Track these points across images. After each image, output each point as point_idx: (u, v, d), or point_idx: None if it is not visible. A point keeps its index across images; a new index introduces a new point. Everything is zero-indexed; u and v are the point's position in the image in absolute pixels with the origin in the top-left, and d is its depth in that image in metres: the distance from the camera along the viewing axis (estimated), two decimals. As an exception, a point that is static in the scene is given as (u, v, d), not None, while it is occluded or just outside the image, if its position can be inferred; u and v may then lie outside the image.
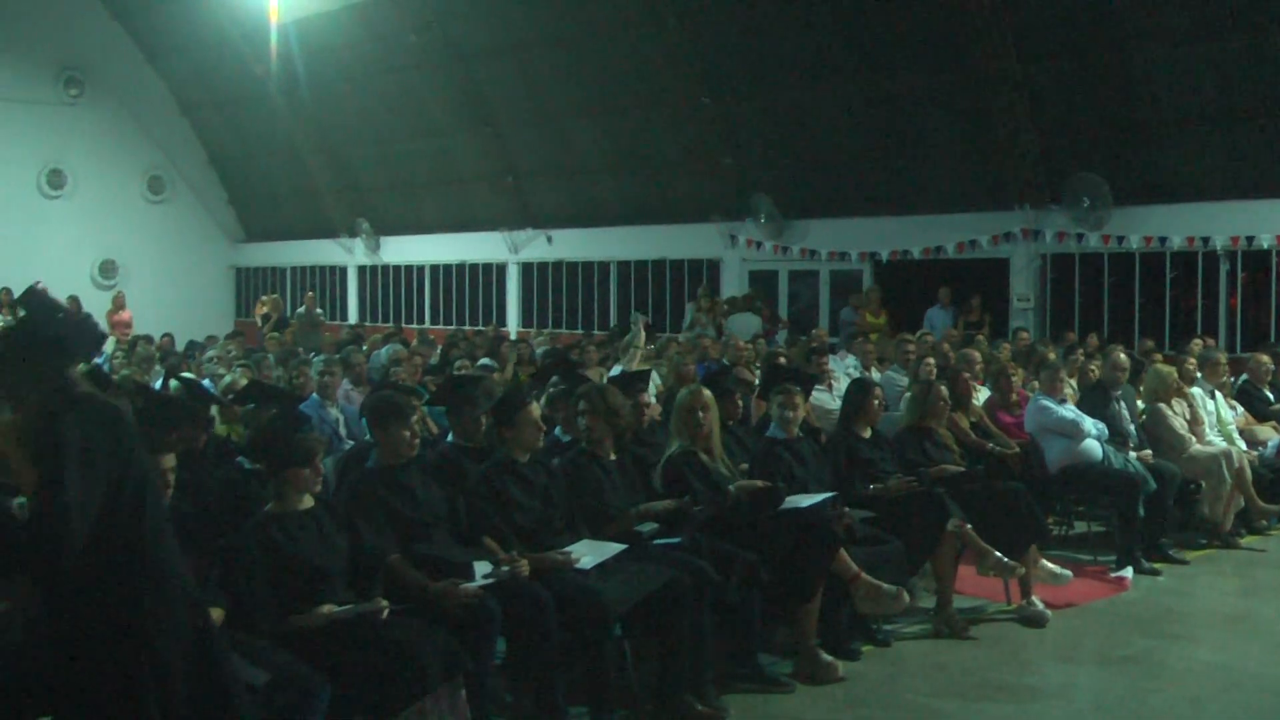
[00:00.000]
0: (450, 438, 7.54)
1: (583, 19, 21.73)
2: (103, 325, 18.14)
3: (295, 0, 24.74)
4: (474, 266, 27.40)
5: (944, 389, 9.34)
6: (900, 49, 18.71)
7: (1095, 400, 10.81)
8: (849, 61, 19.38)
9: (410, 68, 24.92)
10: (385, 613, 5.47)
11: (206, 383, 11.62)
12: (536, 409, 7.07)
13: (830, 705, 6.78)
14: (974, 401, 10.88)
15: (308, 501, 5.79)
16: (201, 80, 29.84)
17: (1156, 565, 9.86)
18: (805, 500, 7.41)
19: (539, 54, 22.96)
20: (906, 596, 7.37)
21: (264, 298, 26.71)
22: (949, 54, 18.17)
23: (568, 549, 6.49)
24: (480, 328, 23.87)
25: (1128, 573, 9.52)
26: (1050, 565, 8.82)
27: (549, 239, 25.46)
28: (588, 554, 6.45)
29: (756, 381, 10.67)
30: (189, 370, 13.85)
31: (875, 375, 12.72)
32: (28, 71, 29.13)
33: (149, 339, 18.59)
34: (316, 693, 5.02)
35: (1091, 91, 17.38)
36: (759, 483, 7.51)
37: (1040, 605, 8.37)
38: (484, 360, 14.12)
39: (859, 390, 8.86)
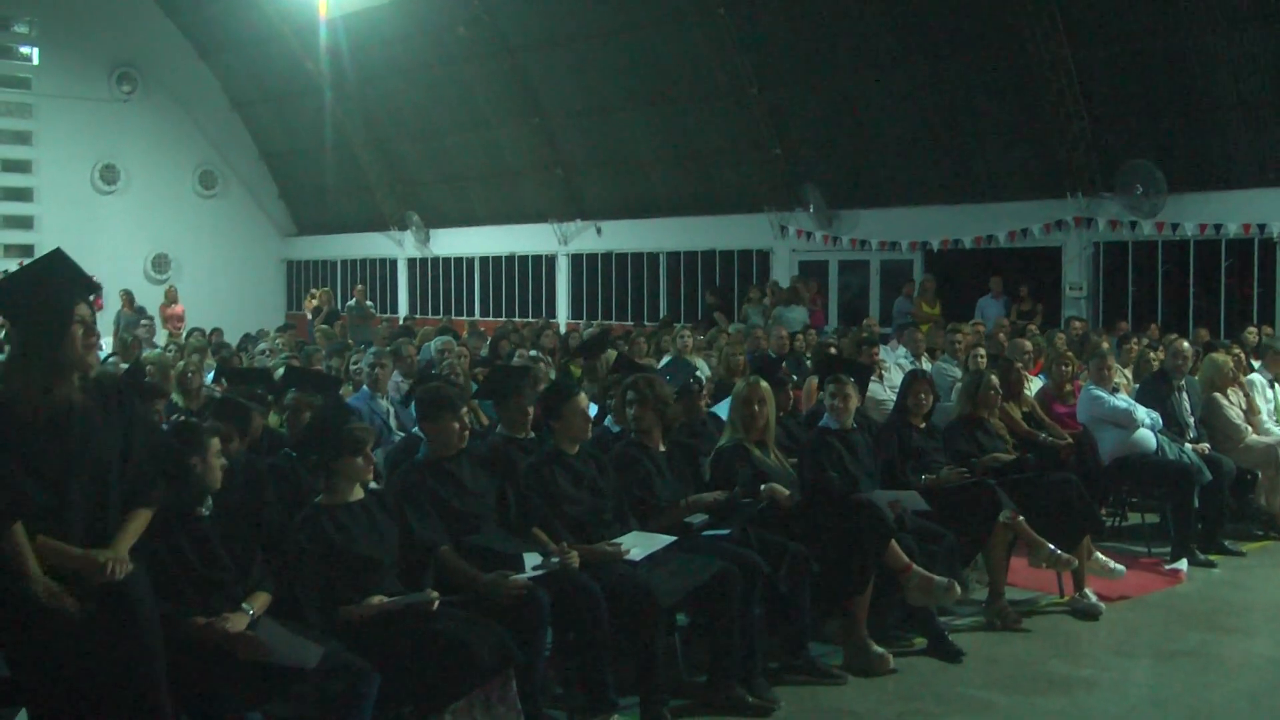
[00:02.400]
0: (499, 429, 7.54)
1: (631, 10, 21.71)
2: (156, 319, 18.29)
3: (345, -6, 24.90)
4: (523, 258, 27.45)
5: (995, 379, 9.26)
6: (951, 36, 18.58)
7: (1156, 390, 10.69)
8: (899, 49, 19.28)
9: (460, 60, 24.99)
10: (435, 604, 5.47)
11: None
12: (584, 400, 7.06)
13: (881, 697, 6.73)
14: (1026, 391, 10.79)
15: (358, 492, 5.80)
16: (252, 75, 30.07)
17: (1212, 557, 9.73)
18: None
19: (588, 45, 22.95)
20: (958, 588, 7.31)
21: (314, 291, 26.85)
22: (1001, 41, 18.03)
23: (617, 540, 6.47)
24: (530, 319, 23.93)
25: (1183, 565, 9.41)
26: (1104, 558, 8.74)
27: (598, 230, 25.47)
28: (637, 545, 6.44)
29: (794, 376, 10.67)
30: (241, 363, 13.92)
31: (926, 365, 12.64)
32: (82, 69, 29.51)
33: (201, 332, 18.71)
34: (366, 682, 5.03)
35: (1145, 77, 17.20)
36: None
37: (1094, 598, 8.28)
38: (533, 352, 14.13)
39: (912, 381, 8.80)
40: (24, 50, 29.93)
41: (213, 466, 5.40)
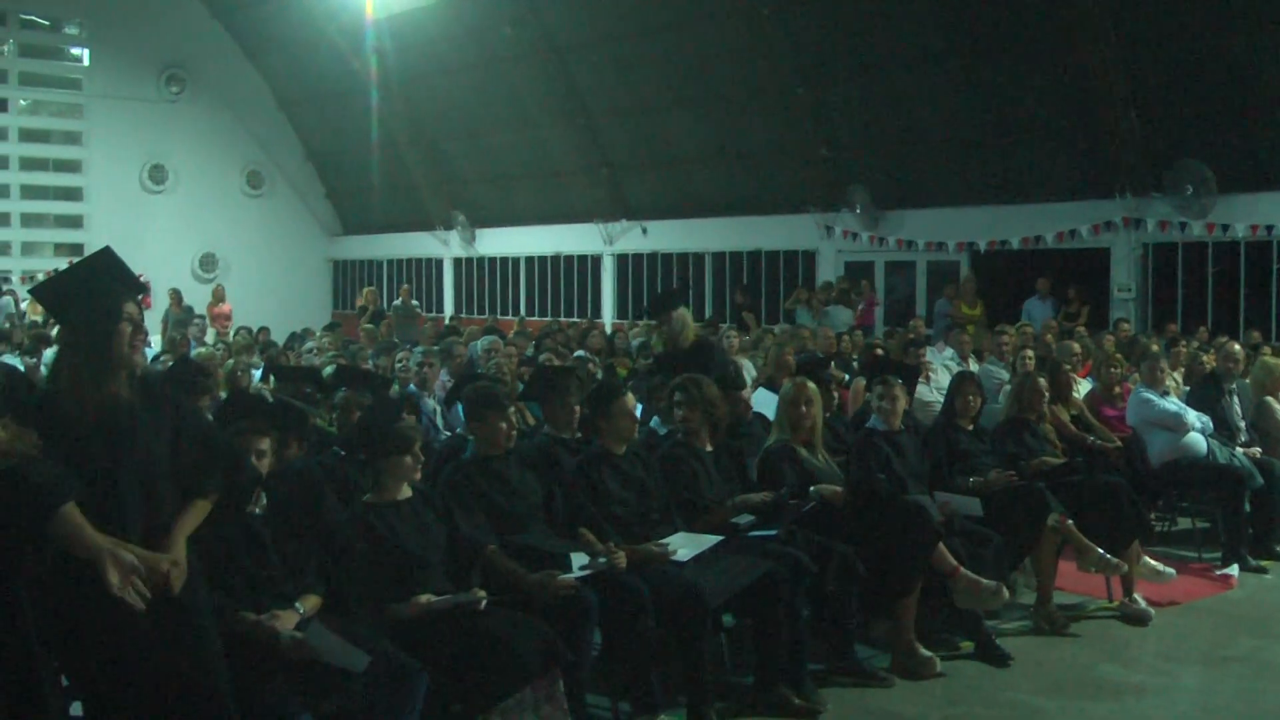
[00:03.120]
0: (545, 429, 7.55)
1: (677, 9, 21.69)
2: (206, 319, 18.43)
3: (391, -4, 25.03)
4: (569, 258, 27.50)
5: (1043, 381, 9.22)
6: (999, 34, 18.45)
7: (1207, 393, 10.60)
8: (946, 49, 19.17)
9: (505, 60, 25.05)
10: (483, 603, 5.48)
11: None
12: (631, 400, 7.07)
13: (929, 701, 6.71)
14: (1075, 394, 10.72)
15: (406, 491, 5.82)
16: (299, 76, 30.24)
17: (1263, 563, 9.63)
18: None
19: (633, 45, 22.95)
20: (1006, 592, 7.26)
21: (365, 290, 26.99)
22: (1050, 39, 17.90)
23: (664, 541, 6.47)
24: (575, 319, 23.96)
25: (1233, 570, 9.31)
26: (1153, 562, 8.65)
27: (644, 230, 25.46)
28: (684, 546, 6.43)
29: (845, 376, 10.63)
30: (288, 362, 14.00)
31: (973, 367, 12.58)
32: (131, 70, 29.81)
33: (248, 330, 18.86)
34: (415, 682, 5.04)
35: (1195, 76, 17.02)
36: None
37: (1143, 603, 8.21)
38: (579, 352, 14.16)
39: (961, 382, 8.76)
40: (75, 51, 30.28)
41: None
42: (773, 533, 6.82)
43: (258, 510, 5.32)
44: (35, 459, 4.13)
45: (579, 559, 6.03)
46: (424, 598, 5.49)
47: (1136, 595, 8.25)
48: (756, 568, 6.36)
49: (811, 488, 7.24)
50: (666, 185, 24.73)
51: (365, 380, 8.88)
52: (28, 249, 29.71)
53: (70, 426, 4.29)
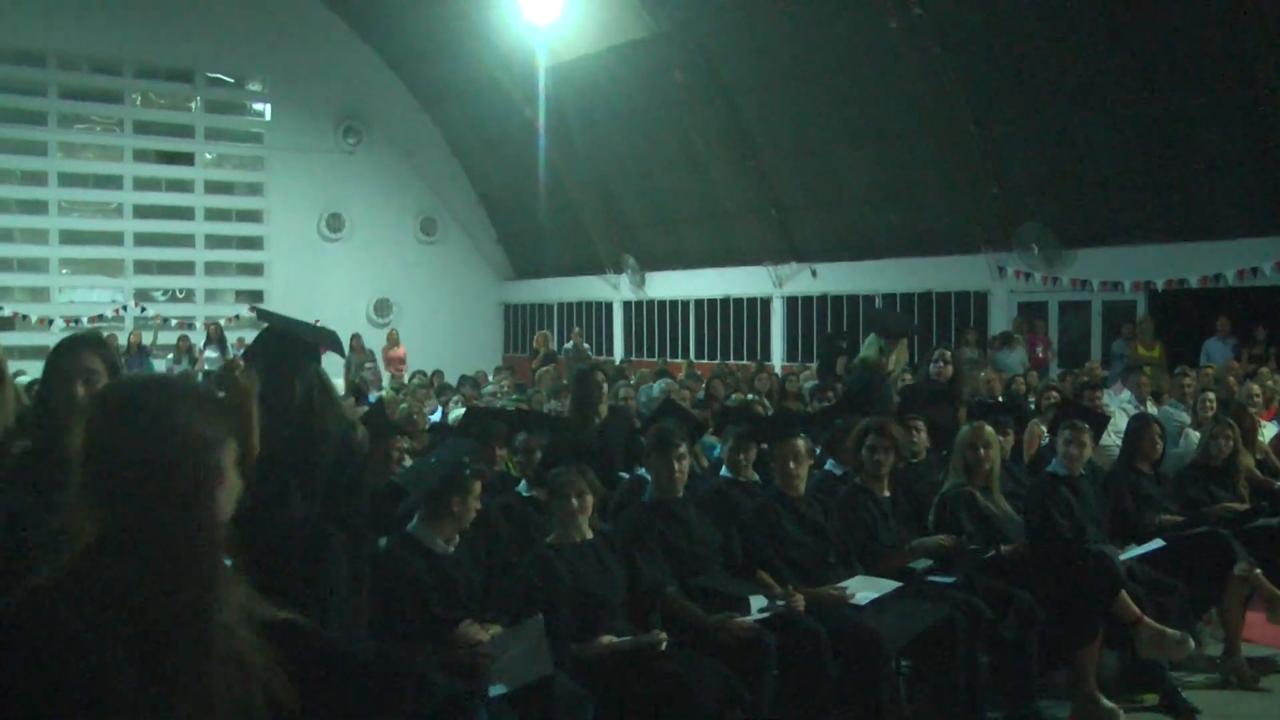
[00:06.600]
0: (724, 471, 7.63)
1: (845, 49, 21.69)
2: (380, 363, 18.92)
3: (562, 44, 25.46)
4: (738, 300, 27.57)
5: (1231, 424, 9.01)
6: (1175, 69, 18.08)
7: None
8: (1118, 83, 18.83)
9: (675, 104, 25.28)
10: (663, 644, 5.56)
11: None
12: (801, 443, 7.10)
13: (1112, 751, 6.60)
14: (1260, 438, 10.44)
15: (587, 533, 5.94)
16: (472, 124, 30.91)
17: None
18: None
19: (802, 85, 22.97)
20: (1191, 642, 7.09)
21: (538, 334, 27.40)
22: (1227, 72, 17.49)
23: (842, 584, 6.49)
24: (744, 361, 23.99)
25: None
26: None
27: (813, 273, 25.43)
28: (862, 589, 6.45)
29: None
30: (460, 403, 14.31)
31: (1151, 410, 12.32)
32: (309, 123, 30.79)
33: (423, 374, 19.29)
34: (581, 709, 5.12)
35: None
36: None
37: (1337, 654, 7.98)
38: (750, 395, 14.21)
39: (1141, 425, 8.62)
40: (257, 107, 31.38)
41: (470, 509, 5.64)
42: (950, 581, 6.79)
43: (450, 549, 5.50)
44: None
45: (758, 601, 6.08)
46: (606, 639, 5.59)
47: (1330, 647, 8.01)
48: (935, 612, 6.34)
49: (997, 546, 7.18)
50: (835, 226, 24.66)
51: (543, 422, 9.04)
52: (210, 296, 30.78)
53: None
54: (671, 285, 28.88)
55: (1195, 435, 10.49)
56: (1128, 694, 7.28)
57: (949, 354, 10.30)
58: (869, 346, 10.84)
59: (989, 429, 7.68)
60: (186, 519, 2.34)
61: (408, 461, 7.56)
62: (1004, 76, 20.15)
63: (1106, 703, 6.92)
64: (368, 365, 22.67)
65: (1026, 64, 19.68)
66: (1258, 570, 7.70)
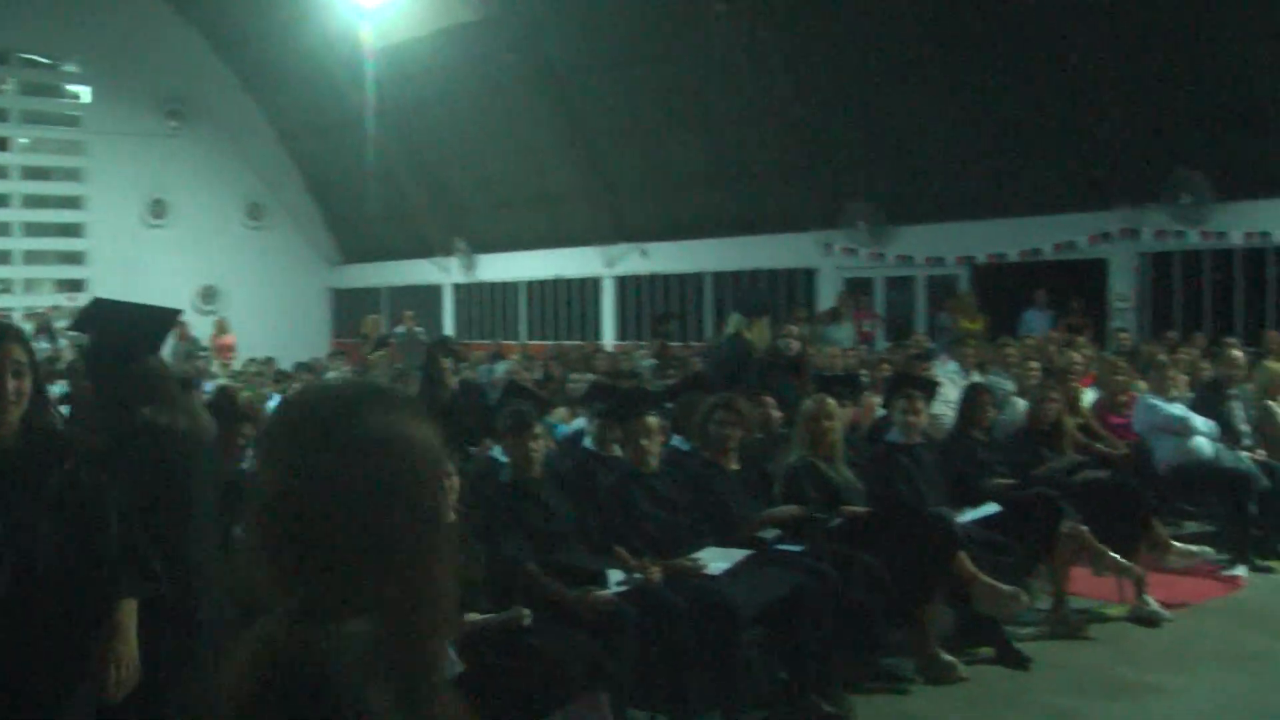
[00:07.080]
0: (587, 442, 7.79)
1: (673, 33, 21.87)
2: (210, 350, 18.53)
3: (391, 27, 25.22)
4: (569, 281, 27.68)
5: (1056, 390, 9.45)
6: (990, 48, 18.61)
7: (1209, 398, 10.81)
8: (933, 61, 19.31)
9: (505, 87, 25.20)
10: (527, 620, 5.68)
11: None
12: (653, 420, 7.27)
13: (954, 704, 6.90)
14: (1080, 403, 10.93)
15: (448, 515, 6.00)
16: (299, 108, 30.40)
17: (1270, 563, 9.85)
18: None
19: (631, 68, 23.11)
20: (1025, 597, 7.46)
21: (367, 318, 27.12)
22: (1040, 51, 18.03)
23: (695, 555, 6.68)
24: (576, 342, 24.09)
25: (1241, 571, 9.53)
26: (1182, 546, 8.89)
27: (643, 252, 25.63)
28: (715, 560, 6.64)
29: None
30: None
31: (977, 379, 12.76)
32: (131, 106, 29.91)
33: (256, 361, 19.05)
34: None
35: (1189, 84, 17.17)
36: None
37: (1155, 605, 8.41)
38: (589, 375, 14.34)
39: (974, 394, 9.00)
40: (75, 89, 30.43)
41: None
42: (799, 549, 7.03)
43: None
44: None
45: (615, 575, 6.24)
46: (469, 616, 5.68)
47: (1148, 597, 8.44)
48: (786, 580, 6.56)
49: (838, 509, 7.44)
50: (665, 207, 24.87)
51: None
52: (30, 286, 29.84)
53: None
54: (502, 267, 28.86)
55: (1020, 403, 10.94)
56: (965, 647, 7.60)
57: (795, 330, 10.58)
58: (733, 324, 11.09)
59: (831, 401, 7.95)
60: (435, 549, 1.94)
61: (250, 450, 7.46)
62: (828, 58, 20.54)
63: (946, 656, 7.24)
64: (201, 354, 22.21)
65: (845, 45, 20.07)
66: (1084, 528, 8.11)
